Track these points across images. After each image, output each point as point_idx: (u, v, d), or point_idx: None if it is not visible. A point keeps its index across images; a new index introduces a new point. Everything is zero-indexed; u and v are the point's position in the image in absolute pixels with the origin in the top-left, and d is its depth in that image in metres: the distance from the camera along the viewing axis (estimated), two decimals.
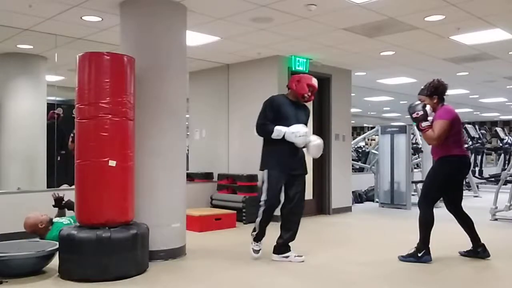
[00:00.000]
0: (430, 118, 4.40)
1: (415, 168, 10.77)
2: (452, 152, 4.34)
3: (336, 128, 7.92)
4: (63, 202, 5.04)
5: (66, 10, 4.88)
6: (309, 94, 4.54)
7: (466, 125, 10.94)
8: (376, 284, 3.76)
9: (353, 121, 9.99)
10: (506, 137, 12.33)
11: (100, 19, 5.17)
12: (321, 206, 7.83)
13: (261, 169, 4.48)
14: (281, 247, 4.53)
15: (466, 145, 12.05)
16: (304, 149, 4.57)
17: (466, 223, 4.57)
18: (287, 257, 4.48)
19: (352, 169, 8.96)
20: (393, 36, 5.99)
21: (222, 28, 5.61)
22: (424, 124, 4.34)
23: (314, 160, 7.76)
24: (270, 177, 4.40)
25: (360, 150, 11.86)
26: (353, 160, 9.77)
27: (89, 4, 4.69)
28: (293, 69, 7.11)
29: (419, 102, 4.51)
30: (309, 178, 7.64)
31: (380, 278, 3.93)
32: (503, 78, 9.42)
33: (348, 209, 8.04)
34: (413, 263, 4.35)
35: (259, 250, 4.60)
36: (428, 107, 4.43)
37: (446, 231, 5.33)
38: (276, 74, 7.04)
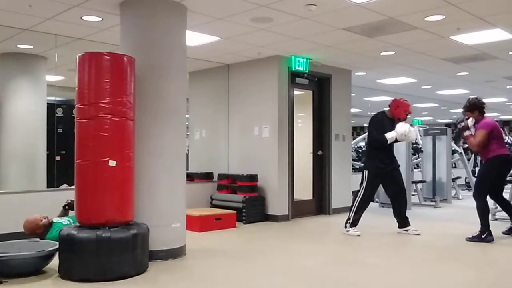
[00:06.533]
0: (472, 129, 5.42)
1: (415, 168, 10.76)
2: (496, 153, 5.32)
3: (336, 128, 7.92)
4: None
5: (66, 10, 4.88)
6: (405, 117, 5.86)
7: None
8: (376, 284, 3.76)
9: (353, 121, 9.97)
10: (506, 137, 12.33)
11: (100, 19, 5.16)
12: (321, 206, 7.83)
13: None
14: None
15: (466, 145, 12.07)
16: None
17: (506, 207, 5.67)
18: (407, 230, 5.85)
19: (352, 169, 8.95)
20: (393, 36, 5.99)
21: (222, 28, 5.61)
22: (466, 133, 5.42)
23: (314, 160, 7.78)
24: None
25: (360, 150, 11.84)
26: (353, 160, 9.75)
27: (89, 4, 4.68)
28: (293, 69, 7.11)
29: (462, 116, 5.55)
30: (309, 178, 7.74)
31: (380, 278, 3.93)
32: (503, 78, 9.42)
33: (348, 209, 8.00)
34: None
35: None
36: (470, 120, 5.45)
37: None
38: (276, 74, 7.04)
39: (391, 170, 5.83)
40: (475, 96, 5.60)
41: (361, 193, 5.81)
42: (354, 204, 5.87)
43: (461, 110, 5.69)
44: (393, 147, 5.99)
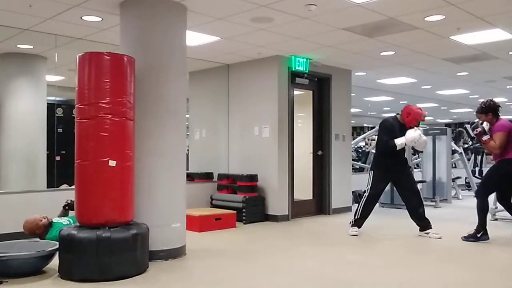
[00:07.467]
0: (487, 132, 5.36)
1: (415, 168, 10.76)
2: (508, 156, 5.23)
3: (336, 128, 7.92)
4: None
5: (66, 10, 4.88)
6: (416, 125, 5.78)
7: (466, 125, 10.97)
8: (376, 284, 3.76)
9: (353, 121, 9.98)
10: None
11: (100, 19, 5.16)
12: (321, 206, 7.83)
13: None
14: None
15: (466, 145, 12.08)
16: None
17: None
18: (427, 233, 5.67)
19: (352, 169, 8.96)
20: (393, 36, 5.99)
21: (222, 28, 5.61)
22: (484, 138, 5.34)
23: (314, 160, 7.78)
24: None
25: (360, 150, 11.84)
26: (353, 160, 9.76)
27: (89, 4, 4.68)
28: (293, 69, 7.11)
29: (477, 120, 5.56)
30: (309, 178, 7.73)
31: (380, 278, 3.93)
32: (503, 78, 9.42)
33: (348, 209, 8.03)
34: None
35: None
36: (485, 124, 5.40)
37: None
38: (276, 74, 7.04)
39: (398, 172, 5.79)
40: (490, 98, 5.50)
41: (366, 194, 5.82)
42: (360, 205, 5.87)
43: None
44: (403, 150, 5.90)
